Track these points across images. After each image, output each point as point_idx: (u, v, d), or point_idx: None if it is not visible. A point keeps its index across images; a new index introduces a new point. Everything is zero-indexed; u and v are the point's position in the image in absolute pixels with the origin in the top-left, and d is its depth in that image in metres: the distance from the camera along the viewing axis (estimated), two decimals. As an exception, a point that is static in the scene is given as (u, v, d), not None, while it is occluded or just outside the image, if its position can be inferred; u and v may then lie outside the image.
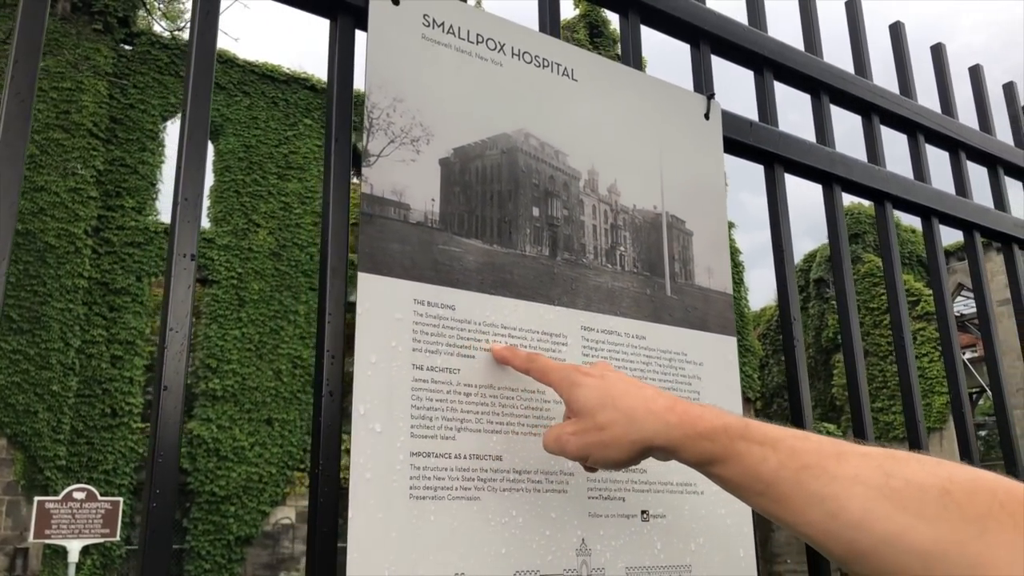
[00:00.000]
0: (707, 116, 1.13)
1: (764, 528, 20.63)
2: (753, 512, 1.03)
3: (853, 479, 0.59)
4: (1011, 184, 1.64)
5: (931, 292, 1.43)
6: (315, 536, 0.72)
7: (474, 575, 0.79)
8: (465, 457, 0.82)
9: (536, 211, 0.94)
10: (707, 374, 1.04)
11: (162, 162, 15.40)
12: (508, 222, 0.92)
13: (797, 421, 1.14)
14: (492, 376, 0.86)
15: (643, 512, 0.92)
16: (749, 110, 1.25)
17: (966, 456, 1.36)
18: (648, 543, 0.92)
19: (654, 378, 0.99)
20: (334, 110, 0.84)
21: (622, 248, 1.01)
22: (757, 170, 1.28)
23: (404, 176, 0.84)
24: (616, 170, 1.02)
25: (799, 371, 1.15)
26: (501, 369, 0.87)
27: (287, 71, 17.53)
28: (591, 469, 0.84)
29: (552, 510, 0.86)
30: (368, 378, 0.78)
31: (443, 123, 0.88)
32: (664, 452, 0.71)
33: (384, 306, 0.80)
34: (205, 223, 16.13)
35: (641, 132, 1.06)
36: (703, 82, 1.16)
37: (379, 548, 0.74)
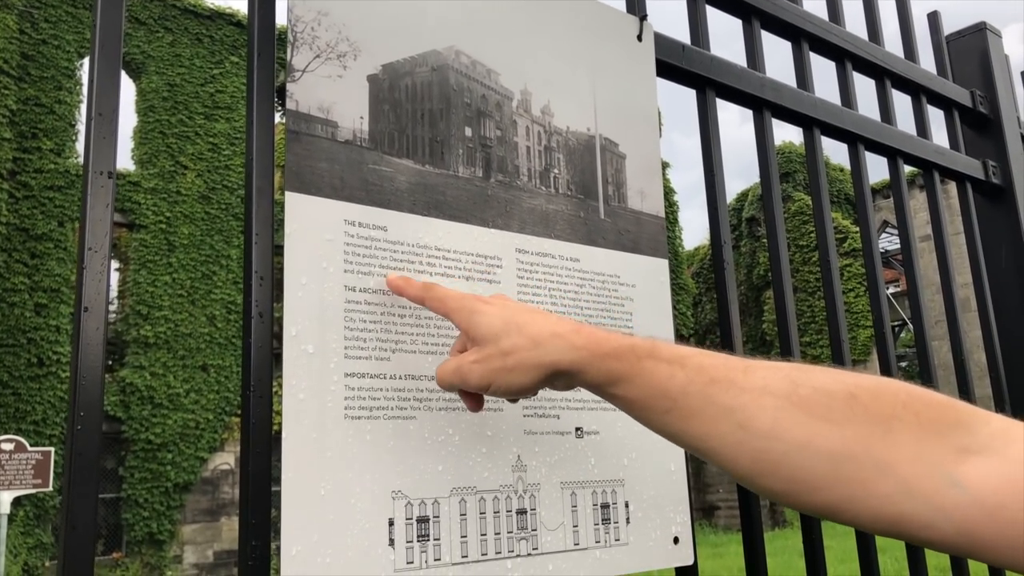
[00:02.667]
0: (640, 38, 1.12)
1: (697, 460, 21.28)
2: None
3: (762, 390, 0.59)
4: (933, 113, 1.68)
5: (858, 229, 1.46)
6: (248, 456, 0.72)
7: (411, 492, 0.80)
8: (400, 377, 0.82)
9: (469, 131, 0.93)
10: (639, 296, 1.05)
11: (80, 102, 14.71)
12: (440, 142, 0.90)
13: (727, 345, 1.17)
14: (426, 298, 0.85)
15: (577, 429, 0.94)
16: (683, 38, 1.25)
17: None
18: (582, 459, 0.94)
19: (588, 300, 1.00)
20: (256, 23, 0.80)
21: (556, 170, 1.01)
22: (689, 111, 1.28)
23: (331, 92, 0.82)
24: (549, 91, 1.01)
25: (728, 293, 1.18)
26: None
27: (211, 6, 16.83)
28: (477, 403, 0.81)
29: (488, 428, 0.87)
30: (299, 299, 0.76)
31: (371, 38, 0.86)
32: (568, 376, 0.70)
33: (313, 227, 0.79)
34: (129, 165, 15.55)
35: (574, 52, 1.05)
36: (636, 3, 1.15)
37: (314, 467, 0.74)
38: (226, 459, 15.56)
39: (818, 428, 0.56)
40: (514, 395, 0.74)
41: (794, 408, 0.57)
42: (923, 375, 1.48)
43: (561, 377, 0.70)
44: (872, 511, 0.55)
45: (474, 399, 0.80)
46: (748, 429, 0.59)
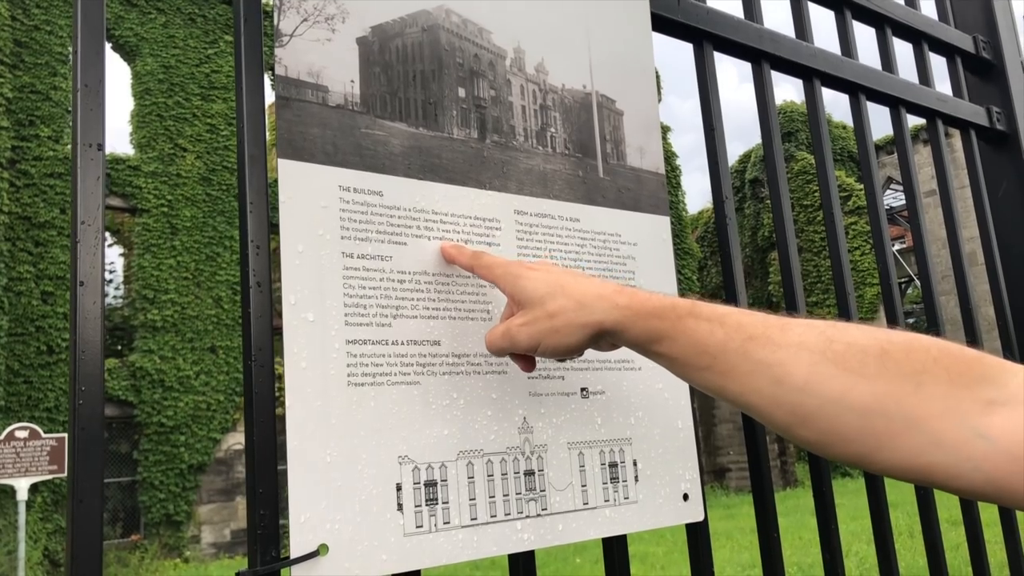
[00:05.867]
0: (634, -9, 1.10)
1: (707, 423, 21.40)
2: (692, 390, 1.05)
3: (798, 345, 0.61)
4: (935, 61, 1.65)
5: (863, 187, 1.44)
6: (253, 426, 0.72)
7: (418, 457, 0.80)
8: (403, 343, 0.81)
9: (462, 92, 0.92)
10: (641, 254, 1.04)
11: (76, 87, 14.62)
12: (433, 104, 0.89)
13: (732, 301, 1.16)
14: (426, 263, 0.85)
15: (583, 389, 0.94)
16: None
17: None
18: (589, 419, 0.94)
19: (589, 260, 0.99)
20: (240, -13, 0.79)
21: (552, 129, 0.99)
22: (686, 73, 1.26)
23: (320, 56, 0.80)
24: (543, 48, 1.00)
25: (732, 249, 1.17)
26: (435, 255, 0.86)
27: (202, -15, 16.64)
28: (529, 364, 0.84)
29: (493, 391, 0.86)
30: (296, 267, 0.76)
31: (358, 0, 0.84)
32: (612, 336, 0.72)
33: (308, 194, 0.78)
34: (129, 149, 15.50)
35: (567, 8, 1.03)
36: (628, -44, 1.12)
37: (319, 435, 0.73)
38: (239, 439, 15.67)
39: (851, 383, 0.58)
40: (562, 355, 0.77)
41: (829, 363, 0.59)
42: (931, 331, 1.47)
43: (605, 336, 0.73)
44: (902, 462, 0.57)
45: (526, 360, 0.83)
46: (784, 384, 0.61)
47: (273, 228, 0.78)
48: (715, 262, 24.65)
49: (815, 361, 0.60)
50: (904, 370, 0.57)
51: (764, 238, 23.98)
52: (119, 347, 15.90)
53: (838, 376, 0.59)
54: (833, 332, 0.61)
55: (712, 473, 21.05)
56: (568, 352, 0.76)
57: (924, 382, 0.56)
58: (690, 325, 0.67)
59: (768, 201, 23.72)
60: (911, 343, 0.59)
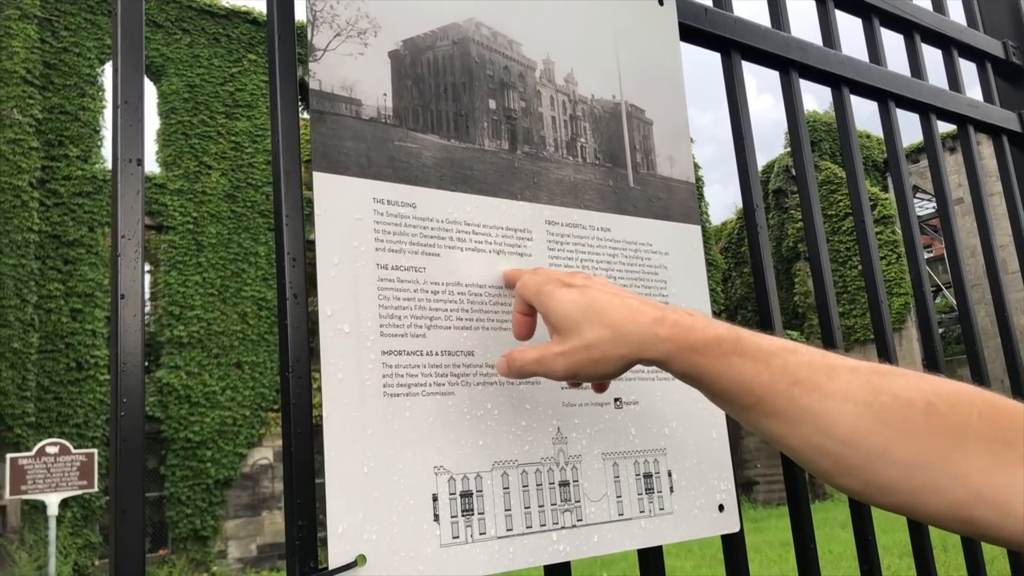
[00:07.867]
0: (661, 2, 1.10)
1: (734, 435, 21.19)
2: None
3: (844, 396, 0.61)
4: (965, 67, 1.64)
5: (887, 196, 1.43)
6: (290, 437, 0.72)
7: (453, 468, 0.80)
8: (437, 354, 0.81)
9: (492, 103, 0.92)
10: (673, 263, 1.04)
11: (103, 107, 14.88)
12: (464, 116, 0.89)
13: (764, 312, 1.16)
14: (459, 273, 0.85)
15: (616, 400, 0.93)
16: None
17: (930, 353, 1.39)
18: (623, 429, 0.93)
19: (620, 269, 0.99)
20: (275, 4, 0.80)
21: (583, 139, 0.99)
22: (705, 84, 1.26)
23: (353, 71, 0.81)
24: (572, 59, 1.00)
25: (764, 259, 1.16)
26: (467, 266, 0.86)
27: (226, 5, 16.89)
28: (575, 384, 0.85)
29: (526, 401, 0.86)
30: (332, 279, 0.76)
31: (390, 14, 0.85)
32: (653, 364, 0.70)
33: (343, 206, 0.78)
34: (155, 168, 15.71)
35: (595, 19, 1.03)
36: (656, -33, 1.12)
37: (356, 446, 0.74)
38: (264, 454, 15.77)
39: (896, 437, 0.58)
40: (601, 380, 0.77)
41: (874, 417, 0.59)
42: (966, 339, 1.45)
43: (646, 363, 0.71)
44: (944, 514, 0.58)
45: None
46: (828, 434, 0.61)
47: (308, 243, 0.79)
48: (739, 273, 24.49)
49: (860, 414, 0.59)
50: (949, 424, 0.57)
51: (788, 248, 23.82)
52: (146, 363, 16.07)
53: (882, 431, 0.59)
54: (879, 382, 0.60)
55: (739, 486, 20.83)
56: (606, 379, 0.74)
57: (969, 438, 0.57)
58: (734, 363, 0.65)
59: (792, 212, 23.56)
60: (957, 396, 0.59)
